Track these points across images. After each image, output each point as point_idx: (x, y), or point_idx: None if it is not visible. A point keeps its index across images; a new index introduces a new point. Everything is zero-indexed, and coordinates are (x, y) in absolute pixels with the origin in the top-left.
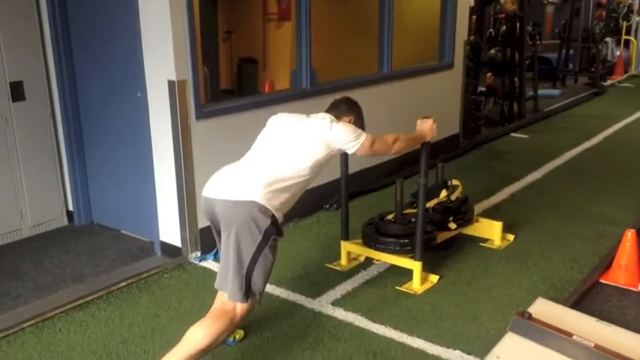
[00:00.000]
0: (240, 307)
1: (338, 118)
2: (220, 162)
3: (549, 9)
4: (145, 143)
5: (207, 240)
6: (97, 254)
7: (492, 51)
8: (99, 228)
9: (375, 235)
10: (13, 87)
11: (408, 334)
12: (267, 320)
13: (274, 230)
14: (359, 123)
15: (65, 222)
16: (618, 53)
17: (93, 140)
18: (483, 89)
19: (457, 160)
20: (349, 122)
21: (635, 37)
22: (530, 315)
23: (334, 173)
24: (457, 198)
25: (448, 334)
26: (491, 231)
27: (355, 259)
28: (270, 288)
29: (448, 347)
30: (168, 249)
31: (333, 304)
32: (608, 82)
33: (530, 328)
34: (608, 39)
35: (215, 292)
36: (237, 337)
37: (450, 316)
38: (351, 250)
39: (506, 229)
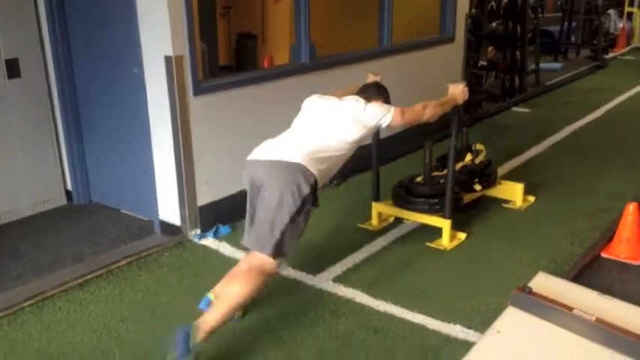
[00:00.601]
0: (269, 265)
1: (368, 100)
2: (219, 138)
3: None
4: (142, 120)
5: (207, 218)
6: (96, 233)
7: (494, 24)
8: (98, 207)
9: (405, 195)
10: (9, 64)
11: (409, 310)
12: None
13: (311, 199)
14: (388, 103)
15: (64, 201)
16: (621, 25)
17: (90, 118)
18: (484, 63)
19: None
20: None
21: (639, 9)
22: (531, 289)
23: None
24: (481, 161)
25: (449, 309)
26: (513, 192)
27: (385, 219)
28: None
29: (449, 322)
30: (167, 227)
31: (338, 278)
32: (611, 55)
33: (531, 303)
34: (610, 11)
35: (218, 267)
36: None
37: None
38: (382, 210)
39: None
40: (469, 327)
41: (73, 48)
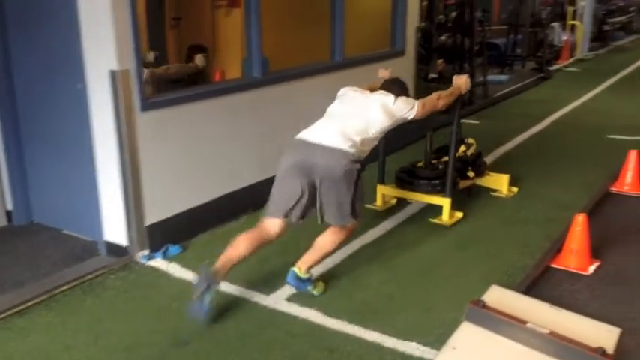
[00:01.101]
0: (353, 225)
1: (396, 95)
2: (169, 154)
3: None
4: (86, 137)
5: (155, 237)
6: (37, 256)
7: (443, 37)
8: (39, 228)
9: (409, 179)
10: None
11: (364, 328)
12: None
13: (360, 169)
14: (409, 96)
15: (4, 222)
16: (565, 38)
17: (32, 135)
18: (435, 76)
19: (406, 148)
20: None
21: (581, 22)
22: (485, 303)
23: None
24: (472, 153)
25: (405, 324)
26: (500, 183)
27: (387, 202)
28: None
29: (405, 339)
30: (113, 248)
31: (288, 299)
32: (555, 67)
33: (485, 317)
34: (554, 24)
35: (167, 289)
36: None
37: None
38: (386, 192)
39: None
40: (425, 344)
41: (14, 61)
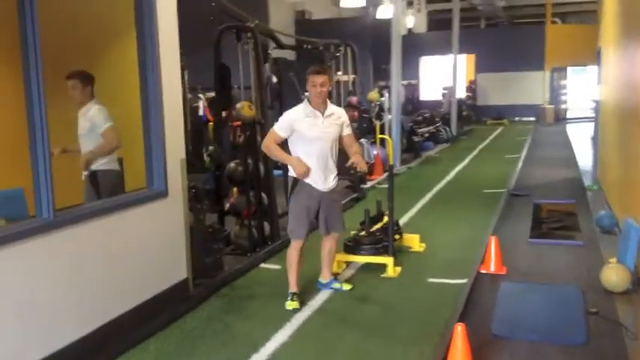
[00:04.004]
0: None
1: None
2: None
3: None
4: None
5: None
6: None
7: (232, 164)
8: None
9: (356, 245)
10: None
11: None
12: None
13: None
14: None
15: None
16: (375, 153)
17: None
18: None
19: (184, 319)
20: None
21: (390, 135)
22: None
23: None
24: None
25: None
26: (413, 241)
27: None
28: None
29: None
30: None
31: None
32: (369, 184)
33: None
34: (362, 140)
35: None
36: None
37: None
38: (339, 259)
39: None
40: None
41: None
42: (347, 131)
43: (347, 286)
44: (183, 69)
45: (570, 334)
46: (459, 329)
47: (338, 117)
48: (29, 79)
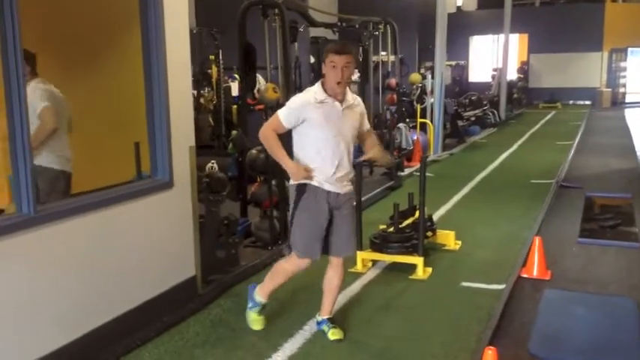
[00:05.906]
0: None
1: None
2: None
3: None
4: None
5: None
6: None
7: (253, 151)
8: None
9: (383, 243)
10: None
11: None
12: None
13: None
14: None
15: None
16: (415, 138)
17: None
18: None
19: (187, 322)
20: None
21: (432, 120)
22: None
23: None
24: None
25: None
26: (447, 239)
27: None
28: None
29: None
30: None
31: None
32: (407, 171)
33: None
34: (400, 125)
35: None
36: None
37: None
38: (364, 257)
39: None
40: None
41: None
42: (367, 125)
43: (334, 336)
44: (217, 48)
45: (622, 359)
46: (489, 354)
47: (357, 105)
48: (8, 69)
